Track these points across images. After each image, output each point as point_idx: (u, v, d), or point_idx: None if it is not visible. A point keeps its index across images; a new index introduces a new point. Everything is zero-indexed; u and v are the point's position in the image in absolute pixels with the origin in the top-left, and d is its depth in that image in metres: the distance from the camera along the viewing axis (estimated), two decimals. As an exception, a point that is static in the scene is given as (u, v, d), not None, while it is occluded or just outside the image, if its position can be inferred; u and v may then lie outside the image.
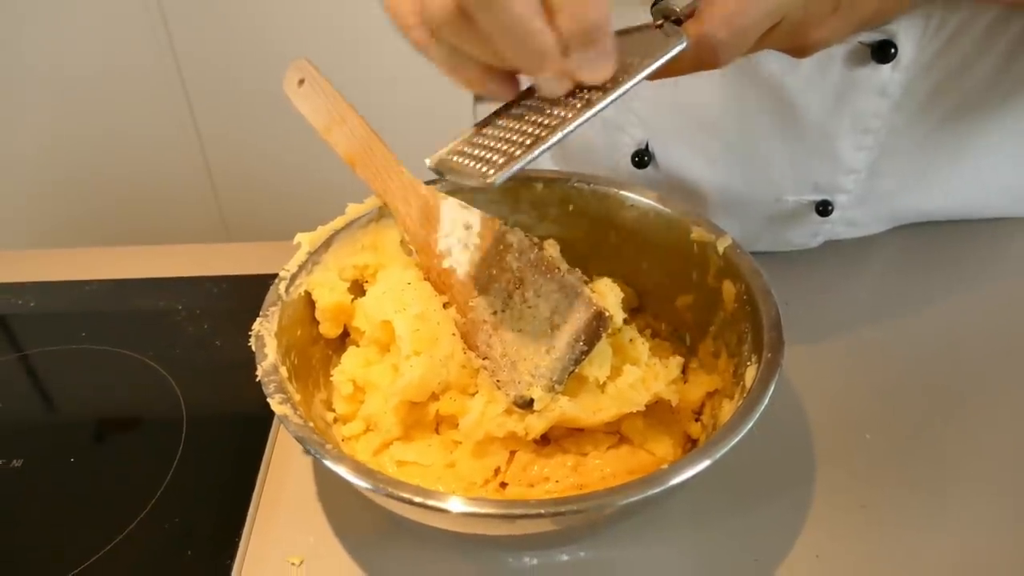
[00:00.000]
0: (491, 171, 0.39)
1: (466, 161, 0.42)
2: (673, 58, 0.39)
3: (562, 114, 0.39)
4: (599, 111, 0.39)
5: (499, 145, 0.41)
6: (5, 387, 0.62)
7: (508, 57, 0.38)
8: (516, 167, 0.38)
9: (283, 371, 0.46)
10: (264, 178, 1.72)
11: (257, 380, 0.45)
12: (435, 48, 0.41)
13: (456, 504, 0.38)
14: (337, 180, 1.47)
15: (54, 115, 1.62)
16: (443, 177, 0.43)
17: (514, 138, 0.40)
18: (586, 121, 0.39)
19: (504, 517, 0.39)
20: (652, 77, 0.39)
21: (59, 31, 1.52)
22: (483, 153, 0.41)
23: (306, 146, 1.63)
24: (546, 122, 0.40)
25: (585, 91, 0.39)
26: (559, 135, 0.39)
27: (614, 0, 0.38)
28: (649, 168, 0.67)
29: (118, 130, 1.64)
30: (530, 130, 0.40)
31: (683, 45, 0.39)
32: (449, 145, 0.44)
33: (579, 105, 0.39)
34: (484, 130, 0.43)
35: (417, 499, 0.39)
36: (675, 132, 0.65)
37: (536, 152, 0.38)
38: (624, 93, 0.39)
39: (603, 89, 0.39)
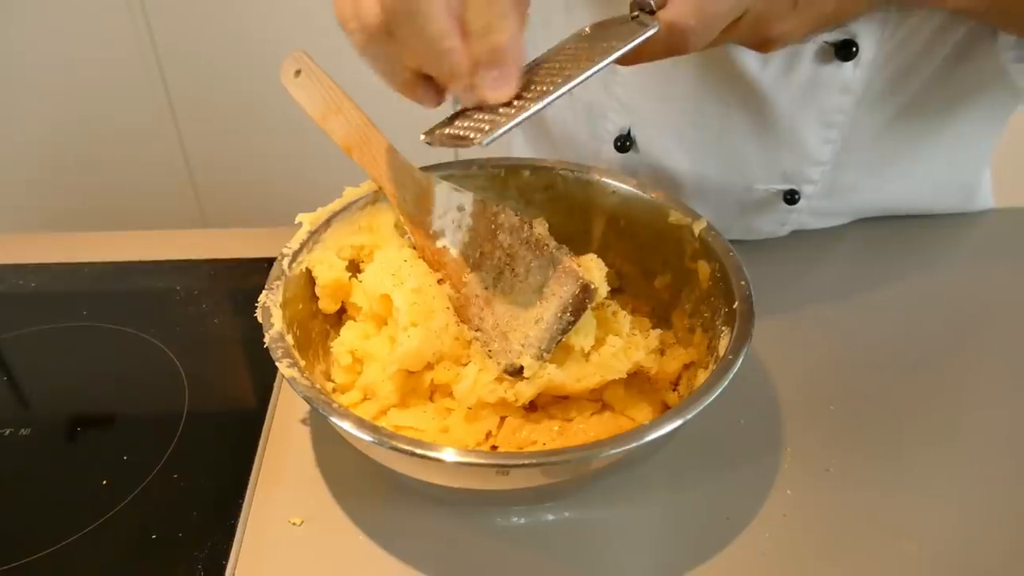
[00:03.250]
0: (479, 135, 0.42)
1: (456, 131, 0.45)
2: (646, 41, 0.43)
3: (543, 88, 0.43)
4: (577, 84, 0.42)
5: (486, 116, 0.44)
6: (11, 361, 0.64)
7: (427, 70, 0.43)
8: (502, 130, 0.42)
9: (289, 339, 0.49)
10: (241, 168, 1.74)
11: (264, 347, 0.48)
12: (370, 53, 0.45)
13: (452, 455, 0.41)
14: (312, 169, 1.51)
15: (29, 105, 1.63)
16: (434, 144, 0.46)
17: (500, 109, 0.43)
18: (566, 92, 0.42)
19: (498, 467, 0.42)
20: (631, 60, 0.43)
21: (39, 24, 1.53)
22: (471, 123, 0.44)
23: (282, 137, 1.66)
24: (529, 95, 0.43)
25: (566, 68, 0.43)
26: (541, 104, 0.42)
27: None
28: (630, 153, 0.70)
29: (97, 121, 1.65)
30: (515, 102, 0.43)
31: (654, 29, 0.43)
32: (440, 120, 0.48)
33: (559, 80, 0.42)
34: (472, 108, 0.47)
35: (418, 451, 0.42)
36: (656, 120, 0.69)
37: (521, 117, 0.42)
38: (600, 69, 0.42)
39: (582, 65, 0.42)
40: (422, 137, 0.47)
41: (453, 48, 0.40)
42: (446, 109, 0.48)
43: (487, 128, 0.42)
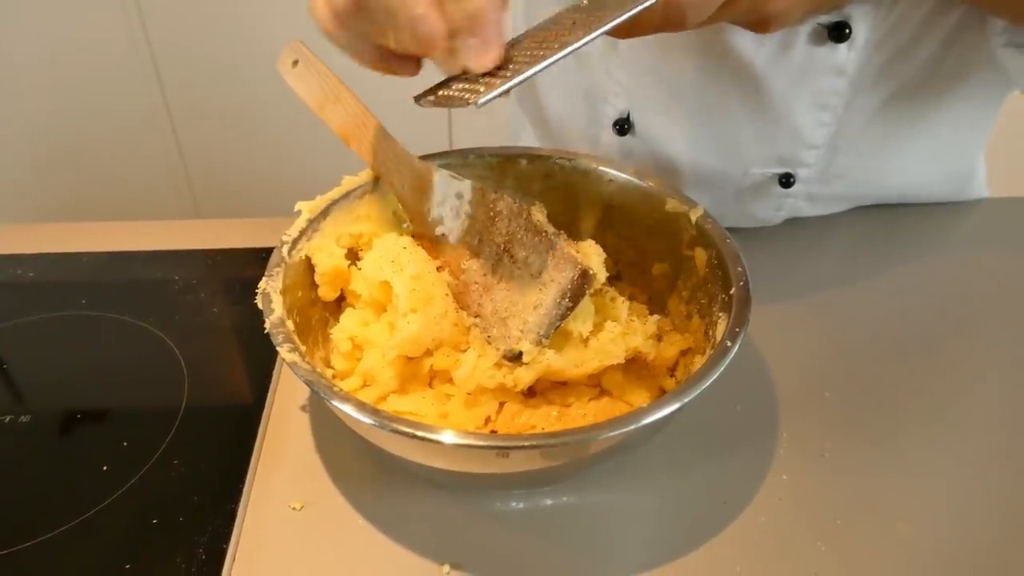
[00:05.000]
0: (473, 96, 0.42)
1: (451, 92, 0.45)
2: (644, 12, 0.43)
3: (539, 53, 0.43)
4: (573, 51, 0.42)
5: (482, 78, 0.44)
6: (11, 349, 0.64)
7: (400, 42, 0.42)
8: (497, 92, 0.41)
9: (289, 324, 0.49)
10: (235, 160, 1.74)
11: (263, 334, 0.48)
12: (337, 34, 0.45)
13: (452, 437, 0.42)
14: (306, 162, 1.51)
15: (24, 98, 1.63)
16: (430, 105, 0.46)
17: (495, 72, 0.43)
18: (561, 58, 0.42)
19: (498, 449, 0.42)
20: (627, 33, 0.43)
21: (34, 18, 1.53)
22: (467, 85, 0.44)
23: (276, 129, 1.66)
24: (524, 59, 0.43)
25: (563, 35, 0.43)
26: (536, 67, 0.42)
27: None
28: (628, 136, 0.71)
29: (91, 113, 1.65)
30: (511, 65, 0.43)
31: (652, 0, 0.43)
32: (436, 82, 0.48)
33: (556, 46, 0.42)
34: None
35: (419, 433, 0.42)
36: (654, 102, 0.69)
37: (516, 80, 0.42)
38: (596, 37, 0.42)
39: (581, 32, 0.42)
40: (414, 97, 0.47)
41: (426, 15, 0.40)
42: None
43: (482, 89, 0.42)
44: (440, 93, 0.45)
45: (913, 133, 0.70)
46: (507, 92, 0.42)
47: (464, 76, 0.45)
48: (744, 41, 0.62)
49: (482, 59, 0.42)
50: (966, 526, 0.51)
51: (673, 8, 0.43)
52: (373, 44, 0.44)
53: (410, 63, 0.45)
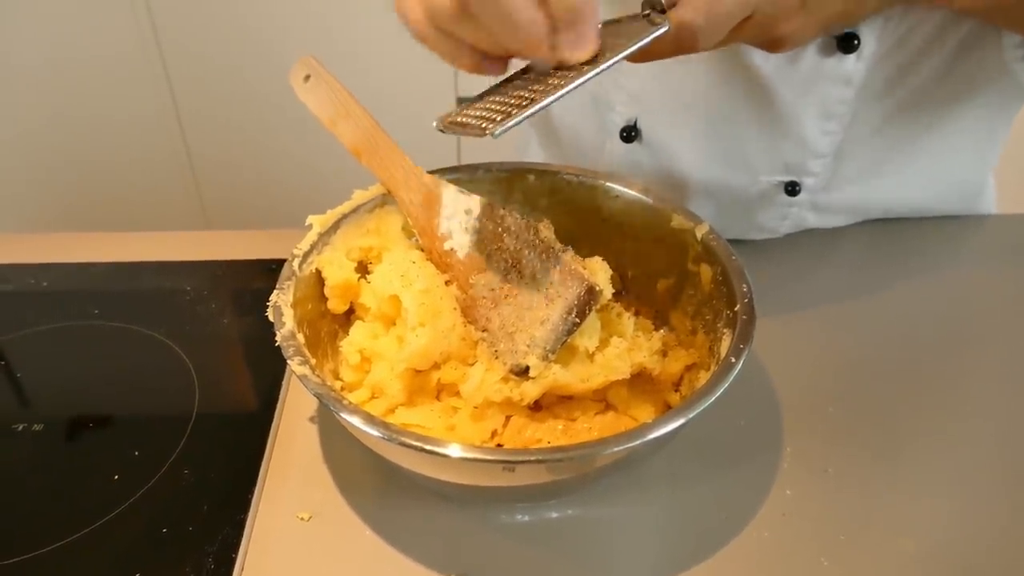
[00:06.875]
0: (490, 126, 0.43)
1: (468, 120, 0.46)
2: (657, 39, 0.44)
3: (555, 83, 0.44)
4: (587, 80, 0.43)
5: (498, 107, 0.45)
6: (25, 358, 0.65)
7: (504, 43, 0.43)
8: (513, 122, 0.43)
9: (300, 337, 0.50)
10: (243, 169, 1.75)
11: (274, 345, 0.49)
12: (435, 38, 0.45)
13: (459, 451, 0.42)
14: (316, 174, 1.51)
15: (31, 102, 1.64)
16: (446, 132, 0.48)
17: (511, 101, 0.45)
18: (576, 88, 0.43)
19: (504, 463, 0.43)
20: (641, 58, 0.45)
21: (46, 28, 1.54)
22: (483, 114, 0.45)
23: (287, 142, 1.68)
24: (541, 88, 0.44)
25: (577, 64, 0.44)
26: (552, 97, 0.43)
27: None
28: (635, 144, 0.72)
29: (99, 120, 1.67)
30: (526, 95, 0.44)
31: (665, 28, 0.44)
32: (453, 109, 0.49)
33: (571, 75, 0.44)
34: (484, 98, 0.48)
35: (426, 447, 0.42)
36: (662, 110, 0.70)
37: (531, 110, 0.43)
38: (611, 66, 0.44)
39: (593, 62, 0.43)
40: (434, 124, 0.48)
41: (533, 19, 0.41)
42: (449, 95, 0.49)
43: (499, 119, 0.43)
44: (459, 120, 0.46)
45: (921, 143, 0.71)
46: (522, 122, 0.43)
47: (481, 102, 0.47)
48: (752, 51, 0.63)
49: (580, 52, 0.43)
50: (969, 542, 0.52)
51: (685, 33, 0.44)
52: (470, 46, 0.45)
53: (500, 63, 0.46)
